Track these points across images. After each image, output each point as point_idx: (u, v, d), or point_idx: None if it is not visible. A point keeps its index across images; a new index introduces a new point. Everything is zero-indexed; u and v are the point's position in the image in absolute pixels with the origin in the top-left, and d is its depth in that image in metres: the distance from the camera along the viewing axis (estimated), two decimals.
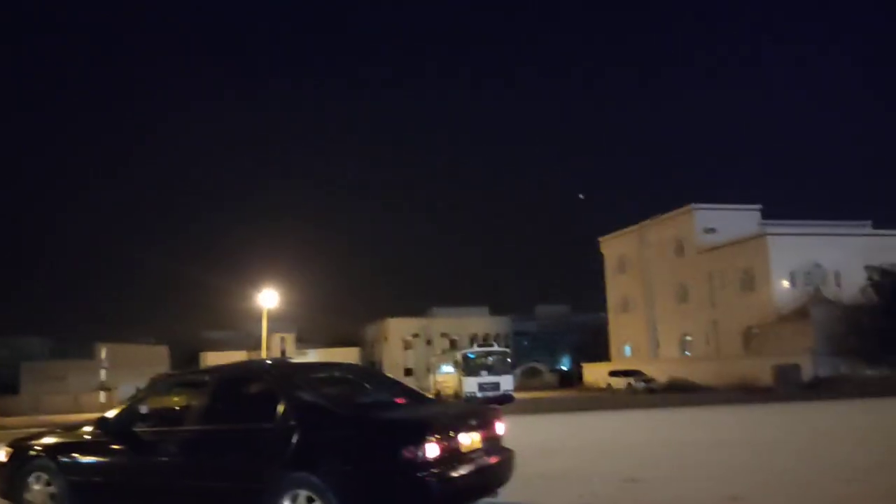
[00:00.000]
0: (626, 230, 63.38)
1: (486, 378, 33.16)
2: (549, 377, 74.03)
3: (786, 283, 47.21)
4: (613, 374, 50.80)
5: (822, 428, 14.17)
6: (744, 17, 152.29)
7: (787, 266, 47.26)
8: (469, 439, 5.91)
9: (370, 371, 8.10)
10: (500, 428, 6.57)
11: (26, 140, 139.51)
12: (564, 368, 77.20)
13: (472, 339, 74.61)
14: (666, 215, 58.09)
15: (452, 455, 5.61)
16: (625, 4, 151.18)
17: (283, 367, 7.03)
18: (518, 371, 74.75)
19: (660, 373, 49.21)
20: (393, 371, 75.79)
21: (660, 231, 58.74)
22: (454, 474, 5.52)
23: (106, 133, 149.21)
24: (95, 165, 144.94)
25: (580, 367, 64.00)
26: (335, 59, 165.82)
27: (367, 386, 7.28)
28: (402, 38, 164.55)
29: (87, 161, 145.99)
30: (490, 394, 32.78)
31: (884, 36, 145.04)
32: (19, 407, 52.05)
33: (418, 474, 5.24)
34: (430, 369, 43.35)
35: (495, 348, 36.67)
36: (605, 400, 37.40)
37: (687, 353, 54.96)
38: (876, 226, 52.49)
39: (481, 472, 5.94)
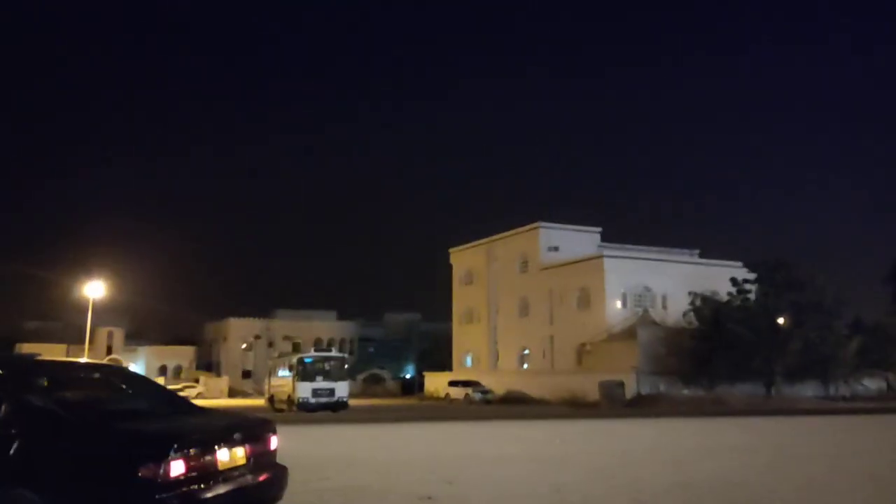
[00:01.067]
0: (476, 243, 64.55)
1: (321, 384, 32.33)
2: (392, 385, 74.05)
3: (618, 304, 49.77)
4: (453, 383, 51.22)
5: (623, 447, 14.68)
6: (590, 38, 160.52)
7: (619, 287, 49.86)
8: (229, 455, 5.34)
9: (138, 377, 7.25)
10: (273, 442, 6.02)
11: None
12: (408, 376, 77.43)
13: (317, 343, 73.25)
14: (514, 231, 59.68)
15: (205, 473, 5.04)
16: None
17: (15, 364, 6.22)
18: (360, 377, 74.47)
19: (498, 384, 50.12)
20: (231, 372, 73.13)
21: (507, 246, 60.25)
22: (206, 495, 4.96)
23: None
24: None
25: (423, 376, 64.26)
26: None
27: (128, 392, 6.55)
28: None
29: None
30: (324, 400, 32.01)
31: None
32: None
33: (158, 496, 4.65)
34: (269, 372, 41.89)
35: (333, 353, 35.84)
36: (440, 410, 37.67)
37: (525, 365, 56.55)
38: (703, 255, 56.65)
39: (243, 491, 5.36)
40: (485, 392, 47.48)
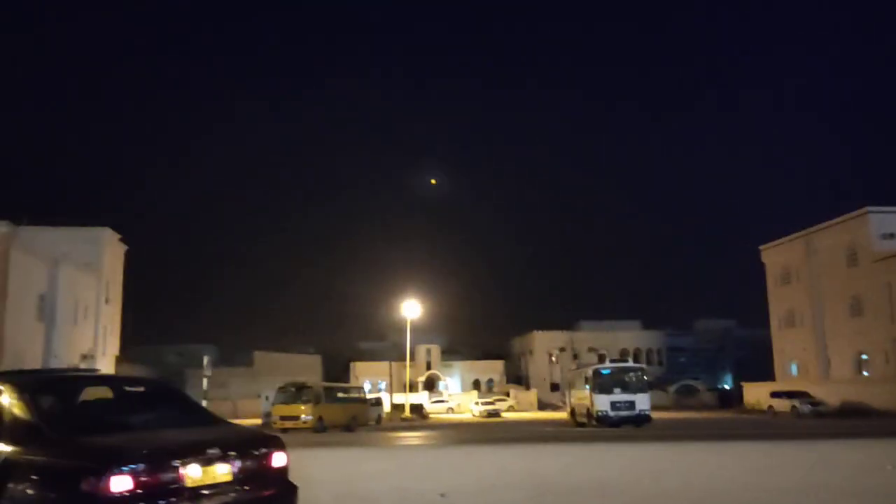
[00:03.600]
0: (790, 237, 57.99)
1: (620, 396, 30.82)
2: (707, 396, 69.60)
3: None
4: (776, 394, 46.26)
5: None
6: None
7: None
8: (201, 472, 5.06)
9: (174, 392, 6.93)
10: (277, 459, 5.64)
11: (147, 145, 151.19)
12: (725, 387, 72.24)
13: (622, 354, 71.44)
14: (836, 220, 52.45)
15: (164, 490, 4.84)
16: None
17: (17, 375, 6.31)
18: (671, 389, 70.95)
19: (830, 395, 44.46)
20: (538, 385, 74.17)
21: (829, 238, 53.11)
22: None
23: (258, 151, 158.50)
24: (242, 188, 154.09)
25: (742, 387, 59.21)
26: (480, 64, 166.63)
27: (146, 405, 6.43)
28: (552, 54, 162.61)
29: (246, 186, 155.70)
30: (624, 413, 30.49)
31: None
32: None
33: None
34: (569, 385, 41.39)
35: (630, 364, 34.15)
36: (760, 424, 33.89)
37: (865, 373, 49.09)
38: None
39: None
40: (815, 404, 42.07)
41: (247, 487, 5.34)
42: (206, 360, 25.34)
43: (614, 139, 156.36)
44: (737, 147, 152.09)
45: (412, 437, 24.92)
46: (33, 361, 38.92)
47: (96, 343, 48.39)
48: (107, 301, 51.34)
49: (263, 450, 5.61)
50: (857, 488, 9.63)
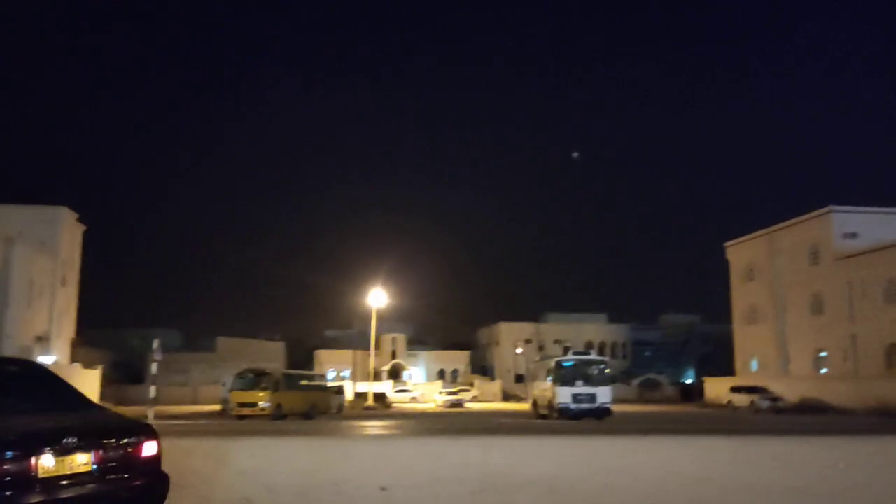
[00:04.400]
0: (754, 235, 58.60)
1: (581, 389, 30.63)
2: (670, 391, 70.43)
3: None
4: (735, 389, 46.67)
5: None
6: None
7: None
8: (54, 462, 4.78)
9: (42, 373, 6.45)
10: (147, 449, 5.42)
11: (141, 137, 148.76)
12: (687, 382, 73.08)
13: (588, 347, 71.75)
14: (800, 219, 53.00)
15: (9, 480, 4.54)
16: None
17: None
18: (635, 382, 71.52)
19: (790, 391, 45.18)
20: (503, 376, 74.25)
21: (793, 236, 53.68)
22: None
23: (217, 138, 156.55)
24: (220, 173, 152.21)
25: (703, 382, 59.84)
26: (450, 51, 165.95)
27: (15, 392, 5.89)
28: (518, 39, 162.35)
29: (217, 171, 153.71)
30: (585, 406, 30.35)
31: None
32: (141, 397, 54.71)
33: None
34: (532, 377, 41.30)
35: (592, 356, 33.91)
36: (718, 419, 34.04)
37: (823, 370, 49.78)
38: None
39: (82, 500, 4.89)
40: (774, 399, 42.54)
41: (110, 477, 5.11)
42: (155, 343, 24.63)
43: (584, 131, 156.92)
44: (710, 143, 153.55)
45: (370, 427, 24.54)
46: None
47: (51, 325, 47.18)
48: (63, 283, 50.11)
49: (131, 438, 5.37)
50: (807, 485, 9.46)
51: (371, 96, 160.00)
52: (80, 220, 53.95)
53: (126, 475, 5.25)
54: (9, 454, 4.58)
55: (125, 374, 61.31)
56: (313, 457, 11.11)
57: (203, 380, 62.22)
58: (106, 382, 52.53)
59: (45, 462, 4.73)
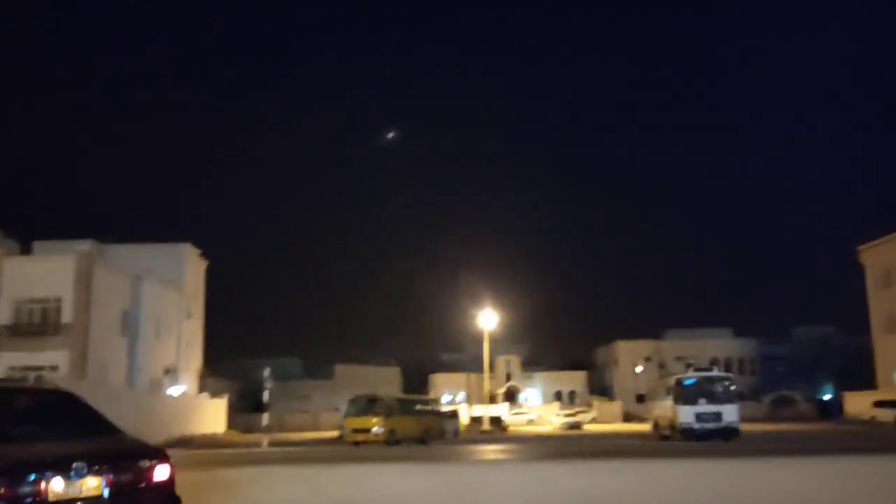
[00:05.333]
0: (889, 237, 54.08)
1: (705, 407, 28.82)
2: (805, 407, 66.01)
3: None
4: (879, 404, 43.03)
5: None
6: None
7: None
8: (63, 485, 4.99)
9: (71, 400, 6.52)
10: (160, 472, 5.61)
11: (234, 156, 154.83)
12: (825, 397, 68.22)
13: (712, 363, 68.39)
14: None
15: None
16: None
17: None
18: (766, 400, 67.43)
19: None
20: (623, 396, 71.78)
21: None
22: None
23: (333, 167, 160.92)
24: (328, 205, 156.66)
25: (843, 396, 55.67)
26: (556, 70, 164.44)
27: (39, 419, 6.13)
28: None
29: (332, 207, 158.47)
30: (710, 425, 28.54)
31: None
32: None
33: None
34: (652, 396, 39.53)
35: (716, 373, 31.98)
36: (858, 436, 31.22)
37: None
38: None
39: None
40: None
41: (121, 501, 5.29)
42: (266, 371, 25.20)
43: (701, 139, 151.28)
44: (836, 142, 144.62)
45: (486, 451, 24.02)
46: (117, 375, 40.11)
47: (178, 357, 49.53)
48: (189, 316, 52.58)
49: (144, 462, 5.55)
50: None
51: (505, 105, 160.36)
52: (203, 255, 56.68)
53: (137, 499, 5.46)
54: (19, 478, 4.81)
55: (250, 402, 63.58)
56: (407, 483, 10.73)
57: (323, 406, 63.75)
58: (233, 411, 54.67)
59: (55, 486, 4.96)
